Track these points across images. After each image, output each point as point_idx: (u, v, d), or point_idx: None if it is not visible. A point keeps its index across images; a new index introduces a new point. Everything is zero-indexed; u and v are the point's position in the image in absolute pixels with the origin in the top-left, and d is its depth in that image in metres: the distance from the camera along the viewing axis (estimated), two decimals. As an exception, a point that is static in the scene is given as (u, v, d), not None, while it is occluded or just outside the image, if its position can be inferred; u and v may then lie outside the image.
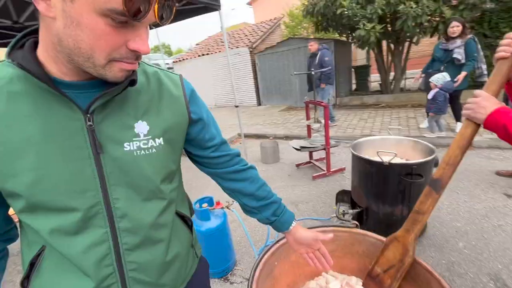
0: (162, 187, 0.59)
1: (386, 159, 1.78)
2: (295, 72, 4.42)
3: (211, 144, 0.71)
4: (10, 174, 0.47)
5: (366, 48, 6.03)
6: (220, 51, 9.73)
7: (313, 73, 3.31)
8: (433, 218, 2.28)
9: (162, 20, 0.45)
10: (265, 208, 0.79)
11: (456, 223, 2.21)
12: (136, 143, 0.54)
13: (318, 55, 4.93)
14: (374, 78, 10.62)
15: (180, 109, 0.62)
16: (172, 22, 3.88)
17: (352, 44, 8.03)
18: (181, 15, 3.59)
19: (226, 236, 1.92)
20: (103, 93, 0.48)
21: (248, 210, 0.83)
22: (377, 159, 1.82)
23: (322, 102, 3.07)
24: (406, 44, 6.77)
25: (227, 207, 1.88)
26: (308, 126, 3.58)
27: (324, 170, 3.34)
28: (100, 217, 0.53)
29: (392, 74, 7.57)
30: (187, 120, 0.63)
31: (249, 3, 24.87)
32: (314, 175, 3.29)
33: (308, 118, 3.59)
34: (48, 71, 0.47)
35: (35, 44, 0.48)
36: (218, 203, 1.89)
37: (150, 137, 0.56)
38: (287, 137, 5.24)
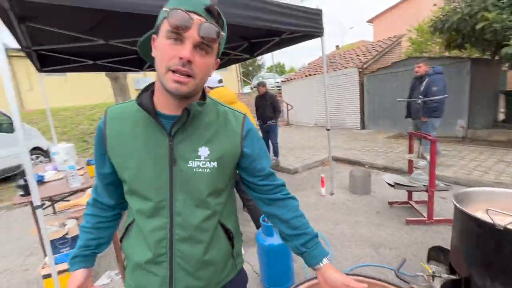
0: (208, 199, 0.74)
1: (501, 221, 1.35)
2: (399, 99, 3.88)
3: (260, 174, 0.83)
4: (124, 168, 0.73)
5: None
6: (328, 72, 9.73)
7: (419, 101, 2.84)
8: None
9: (203, 39, 0.61)
10: (297, 237, 0.83)
11: None
12: (197, 163, 0.72)
13: (426, 81, 4.10)
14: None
15: (235, 143, 0.77)
16: (276, 49, 4.31)
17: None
18: (285, 43, 3.94)
19: (288, 257, 1.95)
20: (175, 122, 0.69)
21: (282, 237, 0.88)
22: (486, 218, 1.41)
23: (428, 135, 2.60)
24: None
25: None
26: (410, 161, 3.08)
27: (423, 216, 2.78)
28: (165, 210, 0.72)
29: None
30: (239, 152, 0.78)
31: (370, 21, 23.67)
32: (409, 219, 2.79)
33: (410, 151, 3.10)
34: (156, 106, 0.72)
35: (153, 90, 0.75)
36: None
37: (208, 159, 0.72)
38: (386, 169, 4.64)
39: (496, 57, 5.57)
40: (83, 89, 11.81)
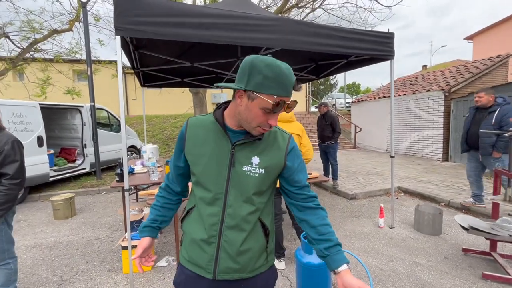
0: (253, 197, 0.94)
1: None
2: (481, 130, 3.25)
3: (297, 185, 1.00)
4: (196, 164, 0.95)
5: None
6: (405, 94, 8.91)
7: (506, 135, 2.36)
8: None
9: (286, 111, 0.85)
10: (322, 242, 0.95)
11: None
12: (249, 168, 0.92)
13: (497, 112, 3.46)
14: None
15: (280, 157, 0.97)
16: (343, 71, 4.30)
17: None
18: (353, 65, 3.91)
19: (326, 278, 1.92)
20: (244, 138, 0.92)
21: (309, 240, 1.01)
22: None
23: (519, 176, 2.16)
24: None
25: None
26: (495, 204, 2.58)
27: (508, 274, 2.27)
28: (220, 200, 0.92)
29: None
30: (283, 164, 0.97)
31: (468, 38, 20.56)
32: (487, 273, 2.32)
33: (496, 192, 2.60)
34: (226, 121, 0.95)
35: (225, 108, 0.98)
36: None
37: (258, 167, 0.93)
38: (469, 210, 3.93)
39: None
40: (171, 101, 14.02)
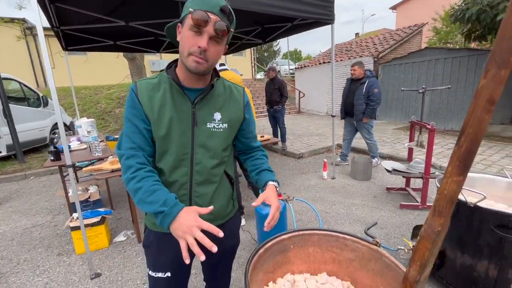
0: (220, 153, 0.97)
1: (472, 199, 1.50)
2: (402, 88, 3.85)
3: (250, 135, 1.11)
4: (158, 128, 0.89)
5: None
6: (341, 60, 9.61)
7: (420, 91, 2.88)
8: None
9: (217, 33, 0.79)
10: (253, 171, 1.11)
11: None
12: (213, 124, 0.94)
13: (366, 84, 3.99)
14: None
15: (239, 110, 1.01)
16: (288, 35, 4.38)
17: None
18: (297, 29, 4.01)
19: (283, 224, 2.17)
20: (199, 93, 0.91)
21: (250, 174, 1.15)
22: (460, 197, 1.56)
23: (427, 124, 2.69)
24: None
25: (287, 200, 2.12)
26: (410, 149, 3.19)
27: (417, 202, 2.92)
28: (186, 160, 0.92)
29: None
30: (242, 117, 1.02)
31: (392, 8, 22.63)
32: (403, 203, 2.93)
33: (411, 139, 3.19)
34: (179, 79, 0.90)
35: (176, 66, 0.94)
36: (280, 195, 2.16)
37: (221, 122, 0.95)
38: (391, 158, 4.73)
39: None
40: (101, 70, 12.22)
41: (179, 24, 0.86)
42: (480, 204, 1.48)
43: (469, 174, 1.93)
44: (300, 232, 1.22)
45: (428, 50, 7.20)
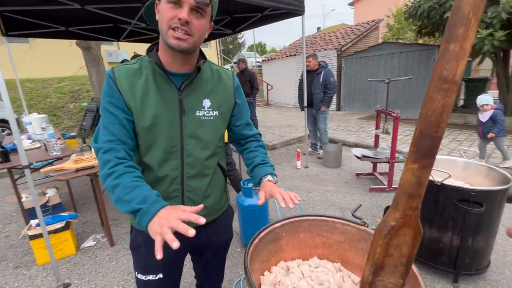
0: (212, 142, 0.91)
1: (439, 178, 1.66)
2: (369, 79, 4.10)
3: (243, 121, 1.03)
4: (141, 119, 0.80)
5: (479, 58, 5.06)
6: (307, 53, 9.84)
7: (386, 81, 3.11)
8: (505, 264, 1.93)
9: (198, 3, 0.72)
10: (250, 164, 1.04)
11: (537, 278, 1.80)
12: (203, 112, 0.87)
13: (322, 74, 4.14)
14: (494, 96, 8.66)
15: (230, 94, 0.94)
16: (258, 26, 4.34)
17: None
18: (267, 19, 3.98)
19: (265, 215, 2.18)
20: (186, 77, 0.83)
21: (246, 165, 1.07)
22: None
23: (393, 112, 2.90)
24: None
25: (268, 191, 2.12)
26: (376, 136, 3.41)
27: (384, 185, 3.15)
28: (176, 153, 0.85)
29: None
30: (233, 102, 0.95)
31: (351, 4, 23.74)
32: (372, 187, 3.15)
33: (377, 127, 3.42)
34: (163, 63, 0.81)
35: (157, 49, 0.85)
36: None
37: (211, 109, 0.88)
38: (357, 146, 5.02)
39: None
40: (50, 60, 10.89)
41: (157, 1, 0.78)
42: (446, 182, 1.64)
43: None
44: (292, 219, 1.23)
45: (385, 44, 7.73)
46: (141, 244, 0.94)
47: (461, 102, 8.18)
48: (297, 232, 1.26)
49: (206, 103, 0.88)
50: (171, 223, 0.59)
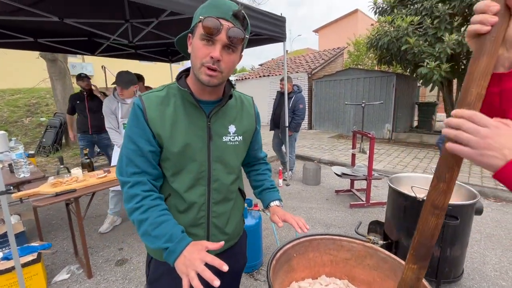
0: (236, 166, 0.94)
1: (420, 195, 1.84)
2: (346, 102, 4.46)
3: (257, 146, 1.10)
4: (170, 146, 0.81)
5: (430, 86, 5.79)
6: (280, 74, 10.34)
7: (362, 105, 3.42)
8: (474, 270, 2.15)
9: (231, 41, 0.73)
10: (257, 187, 1.12)
11: (501, 282, 2.04)
12: (229, 137, 0.89)
13: (293, 98, 4.10)
14: (441, 118, 9.88)
15: (252, 121, 0.98)
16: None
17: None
18: (250, 44, 4.16)
19: (258, 236, 2.18)
20: (216, 105, 0.85)
21: (252, 187, 1.16)
22: (411, 193, 1.89)
23: (369, 133, 3.16)
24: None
25: (263, 211, 2.14)
26: (353, 155, 3.65)
27: (363, 201, 3.35)
28: (203, 179, 0.86)
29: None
30: (254, 128, 1.00)
31: (315, 31, 25.72)
32: (352, 203, 3.33)
33: (354, 146, 3.68)
34: (192, 90, 0.82)
35: (186, 76, 0.87)
36: (256, 206, 2.17)
37: (236, 134, 0.90)
38: (332, 163, 5.30)
39: (414, 75, 6.86)
40: (1, 70, 9.87)
41: (190, 34, 0.80)
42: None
43: (411, 174, 2.36)
44: (302, 240, 1.27)
45: (351, 70, 8.47)
46: (163, 274, 0.91)
47: (415, 123, 9.16)
48: (307, 251, 1.30)
49: (232, 128, 0.90)
50: (196, 267, 0.66)
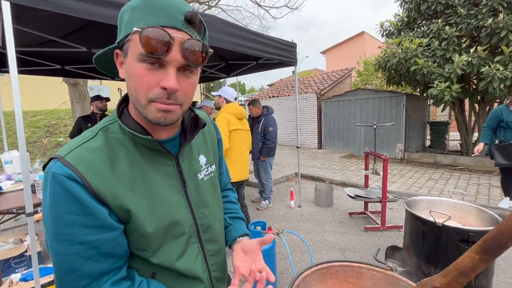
0: (220, 199, 0.79)
1: (440, 220, 1.80)
2: (358, 124, 4.48)
3: (225, 167, 0.93)
4: (136, 218, 0.55)
5: (442, 106, 5.77)
6: (289, 95, 10.54)
7: (374, 127, 3.43)
8: None
9: (189, 61, 0.50)
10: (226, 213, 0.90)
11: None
12: (203, 172, 0.71)
13: (261, 122, 3.84)
14: (454, 137, 9.70)
15: (214, 140, 0.80)
16: (251, 72, 4.68)
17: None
18: (262, 67, 4.33)
19: (272, 260, 2.14)
20: (187, 142, 0.64)
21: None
22: (430, 218, 1.85)
23: (381, 155, 3.15)
24: (495, 104, 6.20)
25: (277, 234, 2.12)
26: (366, 176, 3.61)
27: (378, 224, 3.26)
28: (192, 237, 0.65)
29: (476, 134, 6.86)
30: (218, 154, 0.83)
31: (323, 52, 26.38)
32: (367, 226, 3.24)
33: (366, 168, 3.64)
34: (143, 127, 0.58)
35: (125, 106, 0.62)
36: (270, 229, 2.15)
37: (208, 165, 0.73)
38: (344, 184, 5.22)
39: (424, 95, 6.87)
40: (25, 93, 10.49)
41: (118, 51, 0.55)
42: (447, 223, 1.77)
43: (428, 198, 2.31)
44: (320, 266, 1.25)
45: (360, 90, 8.55)
46: None
47: (428, 143, 9.01)
48: (325, 279, 1.27)
49: (202, 160, 0.72)
50: None
